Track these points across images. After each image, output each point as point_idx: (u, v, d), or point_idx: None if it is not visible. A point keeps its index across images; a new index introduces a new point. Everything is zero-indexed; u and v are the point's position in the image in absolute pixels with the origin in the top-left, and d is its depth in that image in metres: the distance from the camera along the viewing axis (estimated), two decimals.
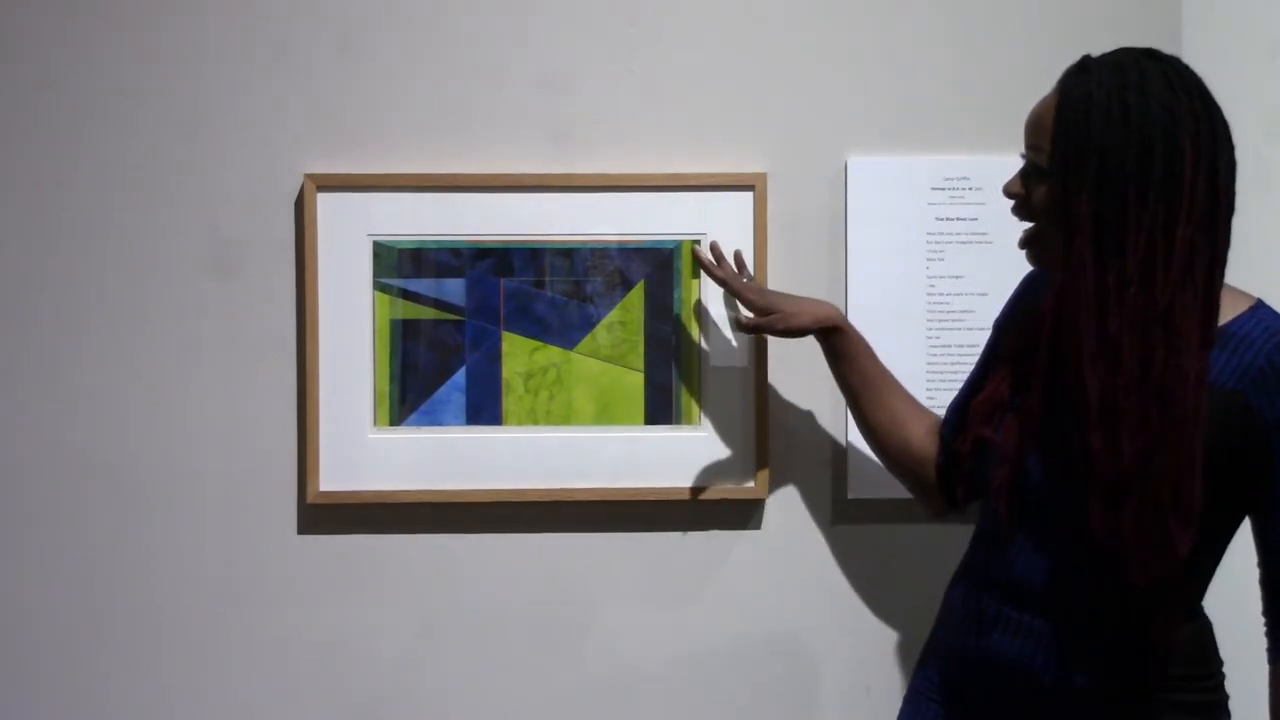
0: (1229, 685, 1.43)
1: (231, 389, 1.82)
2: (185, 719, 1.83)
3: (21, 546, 1.82)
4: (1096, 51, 1.84)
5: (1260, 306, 1.37)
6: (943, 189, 1.80)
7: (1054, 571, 1.38)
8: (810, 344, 1.73)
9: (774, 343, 1.80)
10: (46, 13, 1.81)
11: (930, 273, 1.82)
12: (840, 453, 1.84)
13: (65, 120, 1.81)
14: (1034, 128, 1.37)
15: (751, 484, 1.82)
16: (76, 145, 1.81)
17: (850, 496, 1.84)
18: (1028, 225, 1.41)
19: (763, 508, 1.84)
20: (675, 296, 1.82)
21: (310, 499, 1.80)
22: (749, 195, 1.82)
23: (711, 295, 1.81)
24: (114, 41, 1.81)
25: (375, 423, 1.81)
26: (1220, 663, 1.43)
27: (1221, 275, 1.33)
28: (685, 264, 1.82)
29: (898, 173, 1.82)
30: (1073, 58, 1.84)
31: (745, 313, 1.72)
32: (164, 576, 1.82)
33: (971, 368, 1.60)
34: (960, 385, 1.61)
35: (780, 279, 1.82)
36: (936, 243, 1.82)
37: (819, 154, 1.84)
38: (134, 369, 1.82)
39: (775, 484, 1.83)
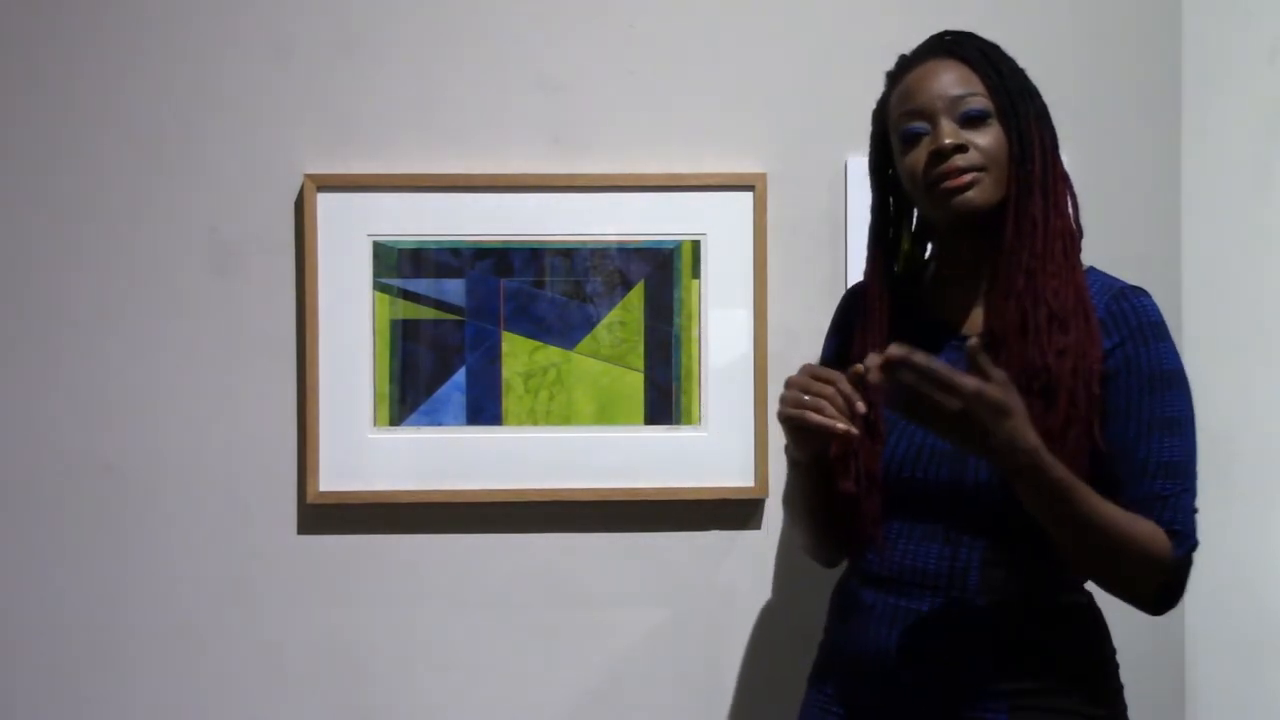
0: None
1: (231, 389, 1.82)
2: (185, 718, 1.83)
3: (21, 546, 1.82)
4: (1099, 52, 1.86)
5: (1092, 270, 1.44)
6: None
7: (942, 556, 1.39)
8: (809, 344, 1.73)
9: (774, 342, 1.80)
10: (46, 12, 1.81)
11: None
12: None
13: (65, 119, 1.81)
14: (959, 82, 1.42)
15: (751, 484, 1.82)
16: (76, 145, 1.81)
17: None
18: (964, 178, 1.39)
19: (763, 508, 1.84)
20: (675, 296, 1.82)
21: (310, 499, 1.80)
22: (749, 195, 1.82)
23: (712, 295, 1.81)
24: (114, 41, 1.81)
25: (375, 423, 1.81)
26: (1113, 650, 1.43)
27: None
28: (685, 264, 1.82)
29: None
30: (1072, 58, 1.86)
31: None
32: (164, 576, 1.82)
33: None
34: None
35: (780, 279, 1.82)
36: None
37: (819, 154, 1.84)
38: (134, 369, 1.82)
39: (775, 484, 1.83)
